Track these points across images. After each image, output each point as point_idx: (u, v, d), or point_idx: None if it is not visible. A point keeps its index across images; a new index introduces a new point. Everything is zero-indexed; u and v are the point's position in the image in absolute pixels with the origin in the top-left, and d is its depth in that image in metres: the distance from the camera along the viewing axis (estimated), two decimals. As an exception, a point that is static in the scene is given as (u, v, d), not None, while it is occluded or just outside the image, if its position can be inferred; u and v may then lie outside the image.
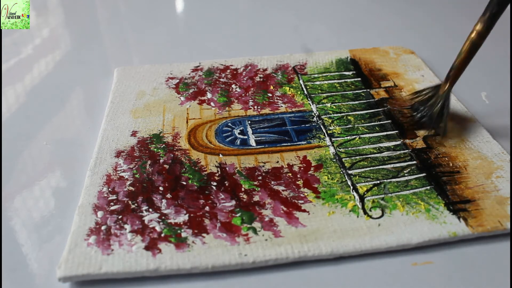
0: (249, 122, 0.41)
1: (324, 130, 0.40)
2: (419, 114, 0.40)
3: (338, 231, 0.30)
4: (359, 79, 0.47)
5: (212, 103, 0.44)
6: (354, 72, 0.48)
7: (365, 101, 0.44)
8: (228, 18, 0.66)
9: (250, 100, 0.44)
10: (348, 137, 0.39)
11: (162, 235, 0.30)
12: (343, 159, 0.37)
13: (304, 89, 0.46)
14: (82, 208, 0.32)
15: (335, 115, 0.42)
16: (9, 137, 0.41)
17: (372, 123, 0.41)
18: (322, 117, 0.42)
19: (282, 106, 0.43)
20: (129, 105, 0.43)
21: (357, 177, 0.35)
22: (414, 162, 0.36)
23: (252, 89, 0.46)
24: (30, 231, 0.32)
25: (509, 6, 0.36)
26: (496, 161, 0.36)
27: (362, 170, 0.36)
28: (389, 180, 0.35)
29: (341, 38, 0.59)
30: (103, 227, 0.31)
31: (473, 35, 0.37)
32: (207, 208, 0.32)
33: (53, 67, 0.54)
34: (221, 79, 0.47)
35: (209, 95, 0.45)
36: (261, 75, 0.48)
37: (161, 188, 0.34)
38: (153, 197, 0.33)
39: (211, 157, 0.37)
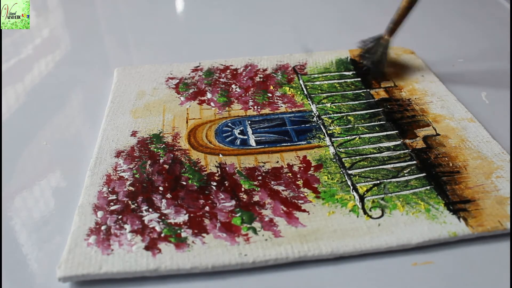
0: (249, 122, 0.41)
1: (324, 130, 0.40)
2: (365, 61, 0.48)
3: (338, 231, 0.30)
4: (359, 79, 0.47)
5: (212, 103, 0.44)
6: (354, 72, 0.48)
7: (365, 101, 0.44)
8: (228, 18, 0.66)
9: (250, 100, 0.44)
10: (348, 137, 0.39)
11: (162, 235, 0.30)
12: (343, 159, 0.37)
13: (304, 89, 0.46)
14: (82, 208, 0.32)
15: (335, 115, 0.42)
16: (9, 137, 0.41)
17: (372, 123, 0.41)
18: (322, 117, 0.42)
19: (282, 106, 0.43)
20: (129, 105, 0.43)
21: (357, 177, 0.35)
22: (414, 162, 0.36)
23: (252, 89, 0.46)
24: (30, 231, 0.32)
25: (508, 6, 0.37)
26: (496, 161, 0.36)
27: (362, 170, 0.36)
28: (389, 180, 0.35)
29: (341, 38, 0.59)
30: (103, 227, 0.31)
31: None
32: (207, 208, 0.32)
33: (53, 67, 0.54)
34: (221, 79, 0.47)
35: (209, 95, 0.45)
36: (261, 75, 0.48)
37: (161, 188, 0.34)
38: (153, 197, 0.33)
39: (211, 157, 0.37)
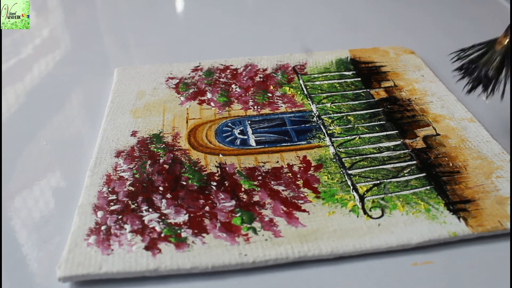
0: (249, 122, 0.41)
1: (324, 130, 0.40)
2: (474, 75, 0.36)
3: (338, 231, 0.30)
4: (359, 79, 0.47)
5: (212, 103, 0.44)
6: (354, 72, 0.48)
7: (365, 101, 0.44)
8: (228, 18, 0.66)
9: (250, 100, 0.44)
10: (348, 137, 0.39)
11: (162, 235, 0.30)
12: (343, 159, 0.37)
13: (304, 89, 0.46)
14: (82, 208, 0.32)
15: (335, 115, 0.42)
16: (9, 137, 0.41)
17: (372, 123, 0.41)
18: (322, 117, 0.42)
19: (282, 106, 0.43)
20: (129, 105, 0.43)
21: (357, 177, 0.35)
22: (414, 162, 0.36)
23: (252, 89, 0.46)
24: (30, 231, 0.32)
25: (508, 6, 0.36)
26: (496, 161, 0.36)
27: (362, 170, 0.36)
28: (389, 180, 0.35)
29: (341, 38, 0.59)
30: (103, 227, 0.31)
31: None
32: (207, 208, 0.32)
33: (53, 67, 0.54)
34: (221, 79, 0.47)
35: (209, 95, 0.45)
36: (261, 75, 0.48)
37: (161, 188, 0.34)
38: (153, 197, 0.33)
39: (211, 157, 0.37)
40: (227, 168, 0.36)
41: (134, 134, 0.39)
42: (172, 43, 0.58)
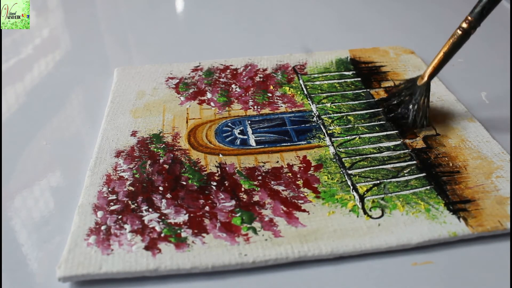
0: (249, 122, 0.41)
1: (324, 130, 0.40)
2: (403, 111, 0.40)
3: (338, 231, 0.30)
4: (359, 79, 0.47)
5: (212, 103, 0.44)
6: (354, 72, 0.48)
7: (365, 101, 0.44)
8: (228, 18, 0.66)
9: (250, 100, 0.44)
10: (348, 137, 0.39)
11: (162, 235, 0.30)
12: (343, 159, 0.37)
13: (304, 89, 0.46)
14: (82, 208, 0.32)
15: (335, 115, 0.42)
16: (9, 137, 0.41)
17: (372, 123, 0.41)
18: (322, 117, 0.42)
19: (282, 106, 0.43)
20: (129, 105, 0.43)
21: (357, 177, 0.35)
22: (414, 162, 0.36)
23: (252, 89, 0.46)
24: (30, 231, 0.32)
25: (508, 6, 0.36)
26: (496, 161, 0.36)
27: (362, 170, 0.36)
28: (389, 180, 0.35)
29: (341, 38, 0.59)
30: (103, 227, 0.31)
31: (457, 32, 0.39)
32: (207, 208, 0.32)
33: (53, 67, 0.54)
34: (221, 79, 0.47)
35: (209, 95, 0.45)
36: (261, 75, 0.48)
37: (161, 188, 0.34)
38: (153, 197, 0.33)
39: (211, 157, 0.37)
40: (227, 168, 0.36)
41: (134, 134, 0.39)
42: (172, 43, 0.58)
